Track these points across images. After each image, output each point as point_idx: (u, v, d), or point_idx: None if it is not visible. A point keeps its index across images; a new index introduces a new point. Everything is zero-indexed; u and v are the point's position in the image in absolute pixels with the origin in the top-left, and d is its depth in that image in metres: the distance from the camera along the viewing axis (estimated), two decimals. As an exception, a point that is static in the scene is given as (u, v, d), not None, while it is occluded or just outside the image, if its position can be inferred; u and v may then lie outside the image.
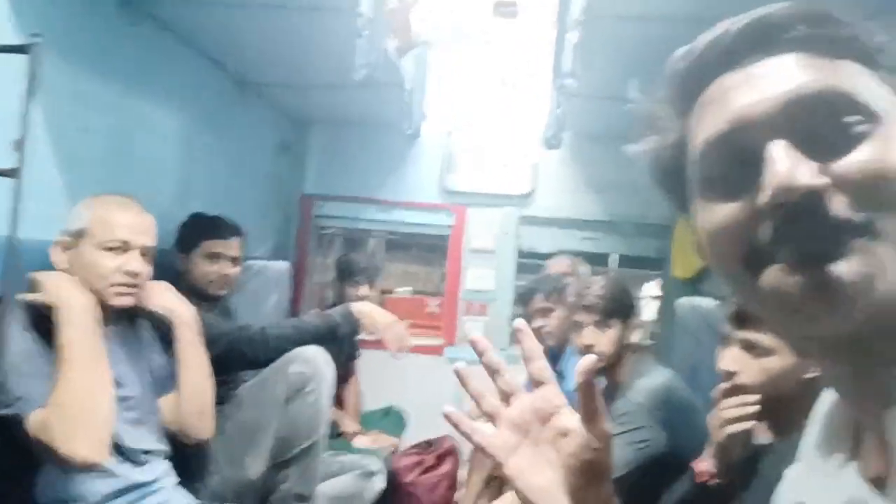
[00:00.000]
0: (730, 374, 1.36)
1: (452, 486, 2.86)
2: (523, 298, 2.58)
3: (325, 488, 2.03)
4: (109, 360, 1.47)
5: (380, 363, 2.16)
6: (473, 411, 2.40)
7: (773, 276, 0.46)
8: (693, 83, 0.52)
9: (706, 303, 2.45)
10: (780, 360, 1.30)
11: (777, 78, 0.47)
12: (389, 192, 3.44)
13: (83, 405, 1.27)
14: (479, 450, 0.66)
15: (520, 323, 0.70)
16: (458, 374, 0.69)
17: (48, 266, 1.45)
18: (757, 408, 1.33)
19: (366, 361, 3.17)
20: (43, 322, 1.37)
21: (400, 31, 2.34)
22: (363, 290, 2.89)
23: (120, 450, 1.43)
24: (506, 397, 0.68)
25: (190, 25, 2.11)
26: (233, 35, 2.17)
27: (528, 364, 0.67)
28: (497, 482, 2.67)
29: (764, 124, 0.46)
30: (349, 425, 2.84)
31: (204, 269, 2.06)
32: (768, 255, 0.46)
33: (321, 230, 3.63)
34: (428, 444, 2.97)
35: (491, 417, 0.68)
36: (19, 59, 1.32)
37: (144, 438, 1.52)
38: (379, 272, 3.09)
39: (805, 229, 0.44)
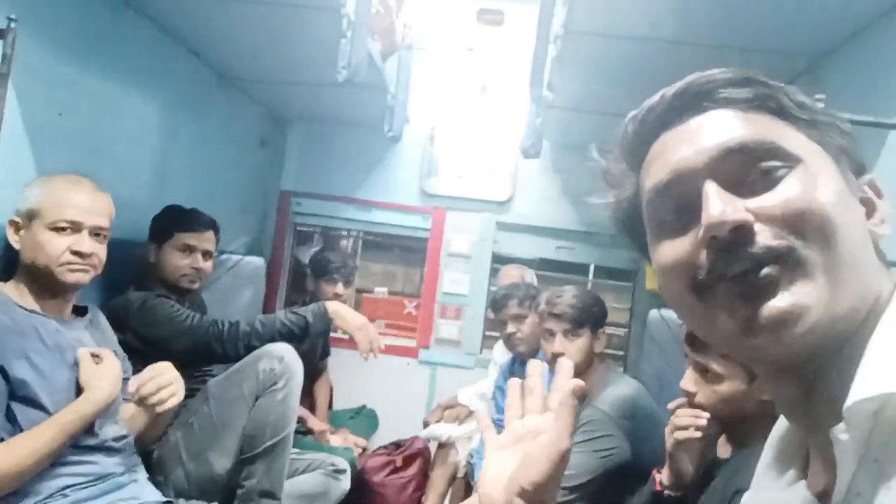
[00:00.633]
0: (689, 394, 1.40)
1: (421, 487, 2.87)
2: (497, 304, 2.61)
3: (292, 486, 2.03)
4: (87, 344, 1.49)
5: (354, 363, 2.16)
6: (434, 416, 2.39)
7: (717, 316, 0.52)
8: (639, 143, 0.60)
9: (674, 316, 2.49)
10: (730, 387, 1.34)
11: (707, 132, 0.54)
12: (368, 192, 3.45)
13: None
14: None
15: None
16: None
17: (13, 250, 1.44)
18: (705, 419, 1.38)
19: (340, 361, 3.17)
20: None
21: (384, 34, 2.35)
22: (339, 287, 2.90)
23: (95, 437, 1.44)
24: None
25: (171, 15, 2.10)
26: (215, 27, 2.16)
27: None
28: (461, 482, 2.69)
29: (698, 172, 0.53)
30: (318, 424, 2.83)
31: (176, 261, 2.05)
32: (710, 286, 0.52)
33: (298, 227, 3.62)
34: (397, 446, 2.98)
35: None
36: (-5, 41, 1.31)
37: (114, 426, 1.52)
38: (354, 271, 3.10)
39: (737, 257, 0.50)
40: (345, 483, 2.26)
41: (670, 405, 1.48)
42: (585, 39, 1.82)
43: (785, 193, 0.50)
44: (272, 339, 1.88)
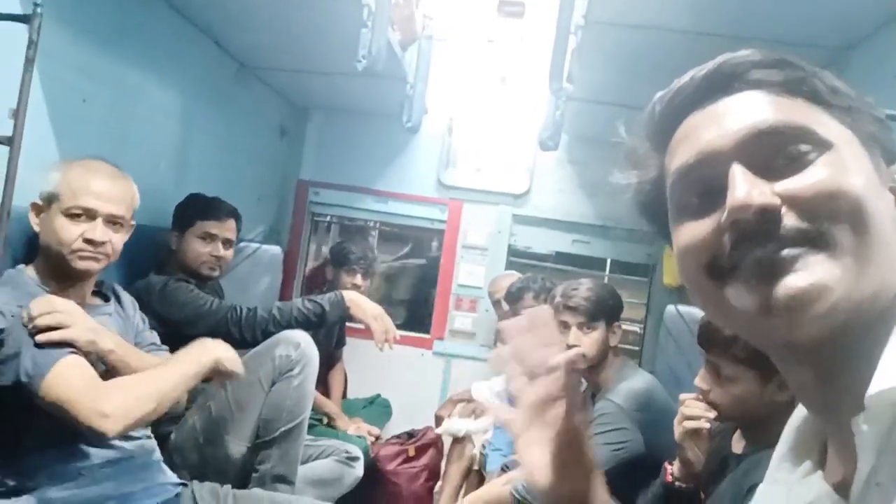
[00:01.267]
0: (703, 392, 1.40)
1: (433, 477, 2.89)
2: (513, 297, 2.61)
3: (306, 471, 2.05)
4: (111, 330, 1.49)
5: (369, 352, 2.18)
6: (446, 409, 2.40)
7: (734, 293, 0.51)
8: (666, 124, 0.59)
9: (692, 311, 2.48)
10: (741, 389, 1.34)
11: (736, 114, 0.53)
12: (386, 182, 3.45)
13: (144, 388, 1.35)
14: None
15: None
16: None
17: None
18: (714, 413, 1.37)
19: (355, 350, 3.19)
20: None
21: (404, 25, 2.35)
22: (358, 278, 2.91)
23: None
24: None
25: (193, 4, 2.11)
26: (236, 16, 2.18)
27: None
28: (476, 475, 2.70)
29: (725, 155, 0.52)
30: (335, 409, 2.86)
31: (197, 249, 2.07)
32: (730, 268, 0.51)
33: (315, 217, 3.64)
34: (410, 435, 3.00)
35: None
36: (20, 28, 1.33)
37: None
38: (374, 263, 3.10)
39: (760, 242, 0.49)
40: (358, 470, 2.28)
41: (681, 396, 1.47)
42: (606, 30, 1.80)
43: (815, 176, 0.49)
44: (289, 326, 1.90)
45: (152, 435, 1.62)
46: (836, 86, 0.54)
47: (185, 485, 1.62)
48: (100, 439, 1.36)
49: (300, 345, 1.85)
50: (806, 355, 0.51)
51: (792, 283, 0.47)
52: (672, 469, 1.52)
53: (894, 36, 1.58)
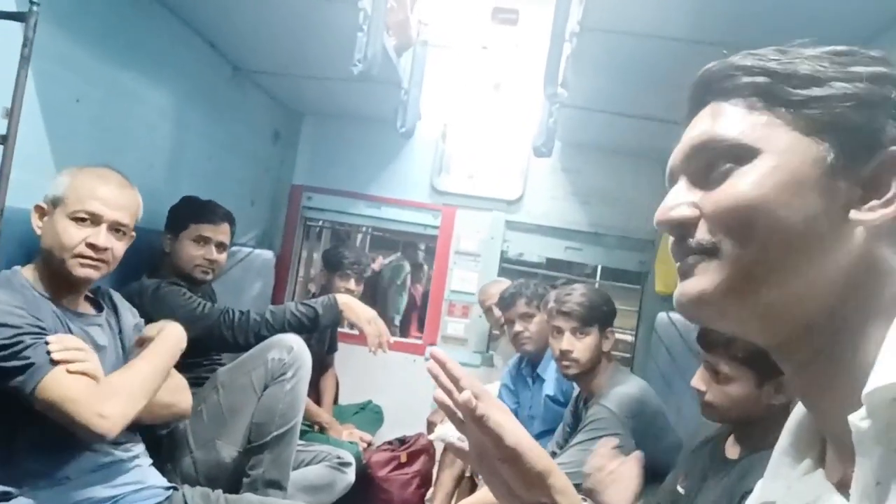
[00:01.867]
0: (700, 392, 1.41)
1: (425, 483, 2.87)
2: (505, 303, 2.60)
3: (298, 476, 2.04)
4: (97, 342, 1.48)
5: (361, 358, 2.18)
6: (438, 415, 2.40)
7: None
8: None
9: (683, 318, 2.49)
10: (738, 388, 1.35)
11: (691, 128, 0.59)
12: (379, 188, 3.45)
13: (133, 387, 1.38)
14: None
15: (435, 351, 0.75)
16: (431, 372, 0.73)
17: (34, 235, 1.45)
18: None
19: (347, 356, 3.18)
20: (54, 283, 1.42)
21: (399, 30, 2.36)
22: (351, 283, 2.90)
23: None
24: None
25: (188, 6, 2.11)
26: (231, 19, 2.18)
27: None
28: (468, 481, 2.69)
29: (678, 168, 0.59)
30: (324, 417, 2.84)
31: (190, 252, 2.06)
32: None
33: (308, 222, 3.63)
34: (402, 441, 2.98)
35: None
36: (15, 27, 1.32)
37: None
38: (367, 268, 3.10)
39: (676, 250, 0.57)
40: (350, 476, 2.27)
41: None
42: (601, 37, 1.81)
43: (718, 192, 0.54)
44: (282, 330, 1.90)
45: (142, 439, 1.61)
46: (806, 75, 0.53)
47: (175, 489, 1.60)
48: (94, 441, 1.35)
49: (293, 348, 1.84)
50: (781, 354, 0.55)
51: (683, 286, 0.55)
52: None
53: (893, 40, 1.60)
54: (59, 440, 1.35)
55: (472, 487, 2.59)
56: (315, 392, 2.96)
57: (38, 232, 1.44)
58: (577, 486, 1.73)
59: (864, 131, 0.51)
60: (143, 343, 1.58)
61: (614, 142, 3.08)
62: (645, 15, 1.72)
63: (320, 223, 3.79)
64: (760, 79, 0.54)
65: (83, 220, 1.42)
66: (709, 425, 1.58)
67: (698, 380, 1.42)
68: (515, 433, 0.68)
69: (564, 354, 1.96)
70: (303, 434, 2.10)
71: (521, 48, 3.18)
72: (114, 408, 1.30)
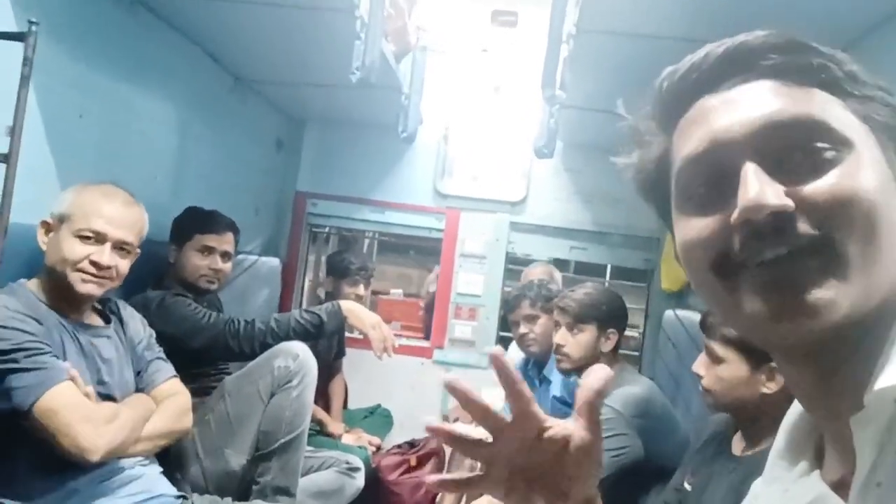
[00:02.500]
0: (698, 377, 1.44)
1: (434, 487, 2.87)
2: (510, 304, 2.61)
3: (307, 483, 2.05)
4: (102, 354, 1.51)
5: (369, 362, 2.18)
6: (454, 414, 2.39)
7: (743, 295, 0.49)
8: (676, 103, 0.55)
9: (691, 315, 2.48)
10: (728, 370, 1.38)
11: (752, 103, 0.50)
12: (383, 193, 3.46)
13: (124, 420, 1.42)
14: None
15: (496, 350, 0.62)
16: (449, 387, 0.60)
17: (38, 250, 1.47)
18: None
19: (355, 361, 3.18)
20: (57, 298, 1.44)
21: (397, 36, 2.36)
22: (360, 289, 2.91)
23: None
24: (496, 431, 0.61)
25: (188, 18, 2.13)
26: (230, 30, 2.19)
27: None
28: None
29: (738, 146, 0.50)
30: (334, 425, 2.85)
31: (195, 262, 2.08)
32: (737, 268, 0.49)
33: (313, 228, 3.65)
34: (411, 445, 2.99)
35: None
36: (16, 46, 1.34)
37: None
38: (373, 272, 3.11)
39: (770, 245, 0.47)
40: (359, 481, 2.28)
41: None
42: (598, 38, 1.82)
43: (831, 180, 0.47)
44: (287, 337, 1.91)
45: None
46: (854, 72, 0.52)
47: (185, 497, 1.61)
48: (76, 459, 1.37)
49: (299, 356, 1.85)
50: (808, 357, 0.51)
51: (803, 297, 0.46)
52: None
53: (884, 39, 1.60)
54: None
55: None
56: (324, 398, 2.97)
57: (44, 247, 1.46)
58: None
59: None
60: None
61: (615, 141, 3.07)
62: (640, 16, 1.72)
63: (326, 229, 3.80)
64: (827, 63, 0.51)
65: (88, 238, 1.44)
66: (716, 423, 1.58)
67: (699, 364, 1.46)
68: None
69: (558, 348, 2.00)
70: (311, 439, 2.11)
71: (520, 50, 3.18)
72: (108, 433, 1.35)
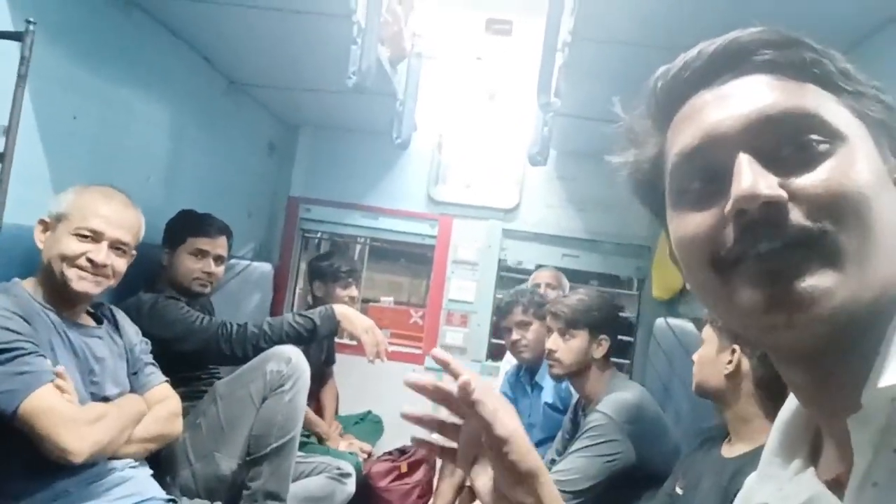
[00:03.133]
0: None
1: (425, 493, 2.87)
2: (503, 311, 2.61)
3: (298, 488, 2.04)
4: (95, 353, 1.50)
5: (360, 368, 2.18)
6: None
7: (737, 288, 0.49)
8: (670, 101, 0.56)
9: (681, 324, 2.50)
10: (704, 349, 1.46)
11: (745, 97, 0.51)
12: (376, 199, 3.47)
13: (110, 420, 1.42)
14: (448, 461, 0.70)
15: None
16: (407, 384, 0.73)
17: (31, 250, 1.46)
18: None
19: (346, 366, 3.17)
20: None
21: (393, 42, 2.38)
22: (353, 290, 2.90)
23: None
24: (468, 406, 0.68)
25: (184, 21, 2.13)
26: (226, 34, 2.20)
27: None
28: (468, 491, 2.68)
29: (731, 140, 0.50)
30: (322, 427, 2.83)
31: (188, 265, 2.07)
32: (734, 262, 0.49)
33: (306, 233, 3.64)
34: (402, 452, 2.98)
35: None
36: (12, 45, 1.34)
37: None
38: (361, 274, 3.10)
39: (764, 236, 0.47)
40: (350, 487, 2.27)
41: None
42: (592, 46, 1.84)
43: (825, 173, 0.47)
44: (280, 341, 1.90)
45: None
46: (847, 69, 0.52)
47: (174, 501, 1.60)
48: (61, 460, 1.36)
49: (291, 360, 1.85)
50: (805, 357, 0.51)
51: (800, 286, 0.46)
52: None
53: (884, 43, 1.63)
54: None
55: (472, 498, 2.59)
56: (316, 404, 2.96)
57: (41, 245, 1.47)
58: (576, 493, 1.74)
59: (891, 131, 0.52)
60: None
61: (608, 149, 3.09)
62: (635, 25, 1.74)
63: (318, 234, 3.79)
64: (821, 58, 0.51)
65: (85, 236, 1.46)
66: (707, 428, 1.59)
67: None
68: (508, 425, 0.64)
69: (549, 354, 2.00)
70: (302, 445, 2.10)
71: (515, 58, 3.20)
72: (92, 435, 1.35)
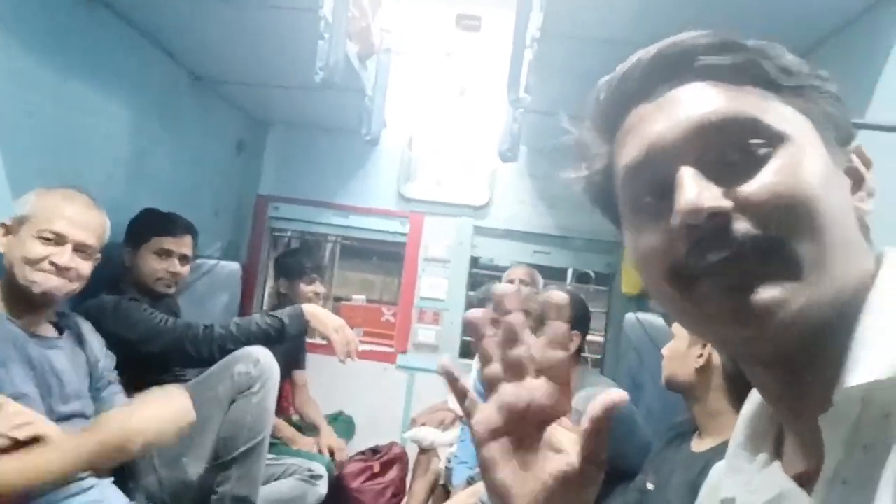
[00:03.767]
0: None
1: (398, 493, 2.85)
2: (475, 308, 2.60)
3: (268, 491, 2.01)
4: (54, 365, 1.45)
5: (331, 368, 2.15)
6: (424, 416, 2.37)
7: (698, 302, 0.49)
8: (613, 113, 0.55)
9: (651, 318, 2.52)
10: (673, 344, 1.48)
11: (686, 106, 0.50)
12: (346, 196, 3.43)
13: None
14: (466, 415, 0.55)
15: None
16: (443, 369, 0.56)
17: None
18: None
19: (317, 366, 3.14)
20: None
21: (361, 37, 2.35)
22: (318, 285, 2.87)
23: None
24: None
25: (145, 15, 2.08)
26: (189, 28, 2.15)
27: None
28: (441, 490, 2.68)
29: (674, 151, 0.49)
30: (286, 431, 2.78)
31: (152, 265, 2.02)
32: (691, 276, 0.49)
33: (275, 232, 3.59)
34: (375, 451, 2.96)
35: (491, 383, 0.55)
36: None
37: (75, 426, 1.48)
38: (326, 269, 3.08)
39: (713, 248, 0.47)
40: (322, 488, 2.24)
41: None
42: (562, 42, 1.84)
43: (767, 178, 0.47)
44: (248, 342, 1.87)
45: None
46: (786, 65, 0.51)
47: (137, 508, 1.56)
48: None
49: (259, 361, 1.82)
50: (772, 363, 0.51)
51: (754, 298, 0.46)
52: None
53: (847, 41, 1.66)
54: None
55: (446, 496, 2.58)
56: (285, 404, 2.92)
57: (2, 249, 1.44)
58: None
59: (841, 126, 0.52)
60: None
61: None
62: (604, 21, 1.74)
63: (288, 233, 3.75)
64: (758, 59, 0.51)
65: (48, 239, 1.44)
66: (677, 423, 1.61)
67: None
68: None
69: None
70: (272, 447, 2.06)
71: (484, 54, 3.19)
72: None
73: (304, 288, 2.82)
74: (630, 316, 2.82)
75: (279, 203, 3.45)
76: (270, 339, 1.91)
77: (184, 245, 2.09)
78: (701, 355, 1.40)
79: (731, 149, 0.48)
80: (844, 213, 0.49)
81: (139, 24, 2.13)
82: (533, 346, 0.55)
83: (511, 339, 0.55)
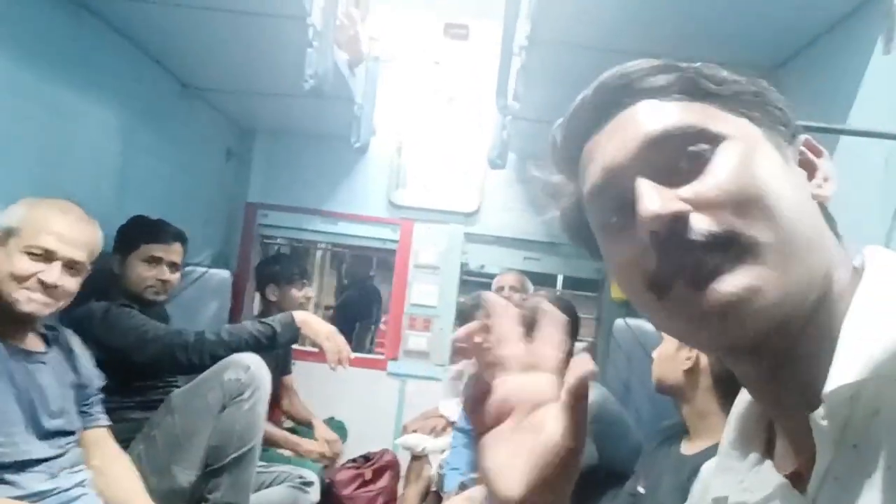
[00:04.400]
0: None
1: (390, 500, 2.85)
2: (464, 315, 2.61)
3: (259, 499, 2.00)
4: (37, 381, 1.43)
5: (322, 375, 2.15)
6: (416, 423, 2.38)
7: (669, 306, 0.50)
8: (571, 150, 0.59)
9: (640, 324, 2.54)
10: (662, 346, 1.49)
11: (631, 126, 0.53)
12: (336, 204, 3.44)
13: None
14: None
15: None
16: (485, 300, 0.59)
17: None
18: None
19: (308, 373, 3.13)
20: None
21: (350, 45, 2.36)
22: (307, 290, 2.87)
23: (32, 463, 1.38)
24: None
25: (133, 23, 2.07)
26: (178, 36, 2.15)
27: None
28: (433, 496, 2.67)
29: (628, 168, 0.52)
30: (277, 436, 2.76)
31: (141, 273, 2.01)
32: (663, 282, 0.50)
33: (265, 239, 3.59)
34: (366, 458, 2.96)
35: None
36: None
37: (64, 450, 1.47)
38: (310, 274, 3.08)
39: (680, 250, 0.48)
40: (313, 496, 2.24)
41: None
42: (550, 49, 1.85)
43: (716, 175, 0.49)
44: (239, 349, 1.86)
45: (85, 467, 1.55)
46: (720, 77, 0.54)
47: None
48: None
49: (250, 368, 1.81)
50: (748, 355, 0.52)
51: (721, 288, 0.47)
52: None
53: (814, 59, 1.70)
54: None
55: (438, 502, 2.58)
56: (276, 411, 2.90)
57: None
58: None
59: (782, 121, 0.55)
60: None
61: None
62: (591, 28, 1.76)
63: (278, 241, 3.74)
64: (691, 76, 0.54)
65: (37, 255, 1.38)
66: (667, 426, 1.62)
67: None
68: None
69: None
70: (263, 454, 2.05)
71: (473, 62, 3.22)
72: None
73: (296, 293, 2.82)
74: (619, 321, 2.84)
75: (268, 211, 3.45)
76: (262, 346, 1.90)
77: (173, 252, 2.08)
78: (689, 357, 1.41)
79: (678, 156, 0.51)
80: (801, 202, 0.51)
81: (127, 32, 2.13)
82: (526, 348, 0.57)
83: (504, 342, 0.57)
